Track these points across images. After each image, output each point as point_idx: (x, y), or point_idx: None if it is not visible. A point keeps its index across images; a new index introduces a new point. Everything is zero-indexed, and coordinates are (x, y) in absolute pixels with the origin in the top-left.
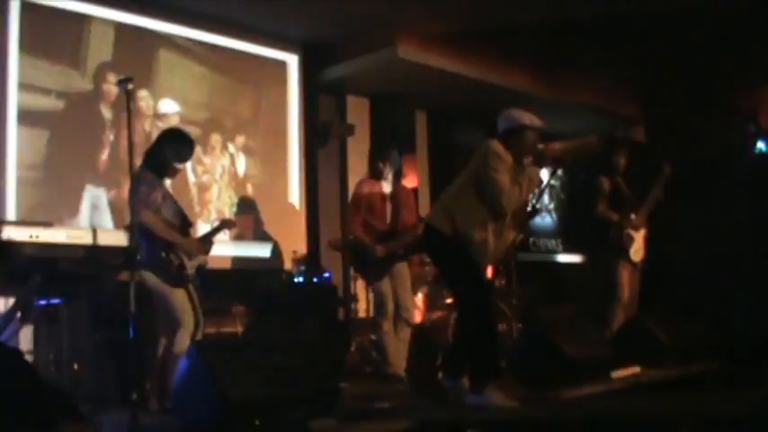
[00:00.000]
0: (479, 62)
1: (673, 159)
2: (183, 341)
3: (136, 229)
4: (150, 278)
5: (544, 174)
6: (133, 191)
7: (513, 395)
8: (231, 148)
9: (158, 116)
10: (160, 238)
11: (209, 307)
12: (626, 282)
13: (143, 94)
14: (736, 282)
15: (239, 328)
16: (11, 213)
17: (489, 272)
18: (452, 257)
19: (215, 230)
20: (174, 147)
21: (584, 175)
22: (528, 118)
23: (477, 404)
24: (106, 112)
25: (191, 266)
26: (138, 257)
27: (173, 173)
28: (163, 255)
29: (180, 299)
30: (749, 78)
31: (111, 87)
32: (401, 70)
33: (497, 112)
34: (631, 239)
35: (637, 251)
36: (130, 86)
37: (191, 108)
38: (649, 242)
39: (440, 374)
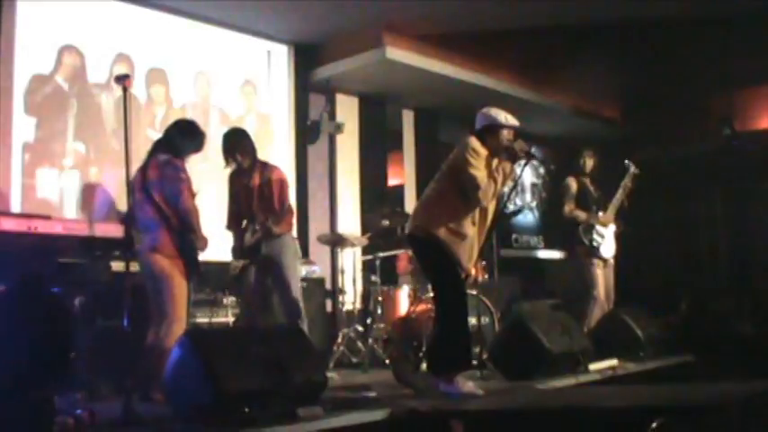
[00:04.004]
0: (465, 63)
1: (651, 159)
2: (177, 334)
3: (176, 213)
4: (160, 262)
5: (520, 170)
6: (170, 176)
7: (492, 386)
8: None
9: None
10: (191, 226)
11: (201, 298)
12: (601, 279)
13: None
14: (710, 278)
15: (230, 319)
16: (16, 206)
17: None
18: (438, 258)
19: None
20: (192, 139)
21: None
22: (504, 116)
23: (447, 392)
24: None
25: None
26: (151, 240)
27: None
28: (189, 244)
29: (183, 291)
30: (725, 83)
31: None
32: (389, 71)
33: (479, 109)
34: (601, 237)
35: (608, 248)
36: (127, 83)
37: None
38: (620, 238)
39: (423, 364)
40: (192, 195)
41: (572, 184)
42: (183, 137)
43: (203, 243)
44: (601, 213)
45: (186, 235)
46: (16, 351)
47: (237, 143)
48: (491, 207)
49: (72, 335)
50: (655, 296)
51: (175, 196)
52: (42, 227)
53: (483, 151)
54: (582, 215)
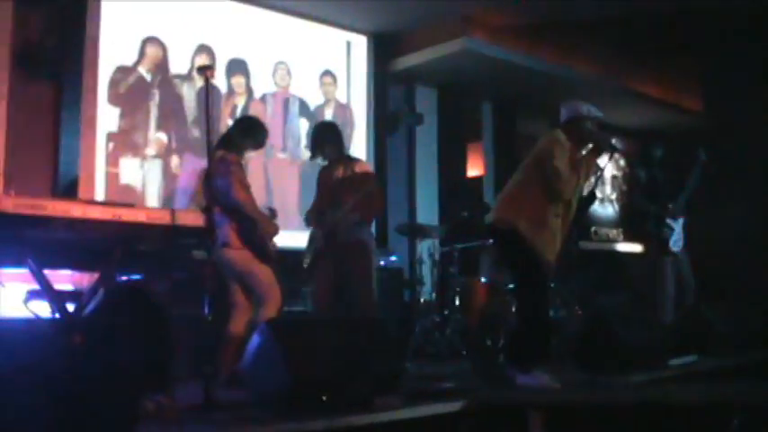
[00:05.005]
0: (545, 54)
1: (734, 150)
2: (271, 315)
3: (230, 207)
4: (233, 255)
5: (604, 162)
6: (221, 172)
7: (570, 379)
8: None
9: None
10: (250, 216)
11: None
12: (671, 273)
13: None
14: None
15: (309, 308)
16: (100, 194)
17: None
18: (519, 251)
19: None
20: (251, 136)
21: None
22: (587, 108)
23: (525, 384)
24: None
25: (271, 246)
26: (221, 237)
27: (246, 159)
28: (252, 233)
29: (267, 274)
30: None
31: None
32: (469, 61)
33: (562, 102)
34: (671, 230)
35: (676, 241)
36: (209, 74)
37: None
38: (690, 230)
39: (500, 356)
40: (245, 187)
41: (642, 175)
42: (243, 133)
43: (272, 229)
44: (671, 206)
45: (248, 226)
46: (117, 357)
47: (325, 137)
48: (574, 200)
49: (172, 342)
50: (737, 290)
51: (226, 190)
52: (126, 215)
53: (567, 144)
54: (652, 207)
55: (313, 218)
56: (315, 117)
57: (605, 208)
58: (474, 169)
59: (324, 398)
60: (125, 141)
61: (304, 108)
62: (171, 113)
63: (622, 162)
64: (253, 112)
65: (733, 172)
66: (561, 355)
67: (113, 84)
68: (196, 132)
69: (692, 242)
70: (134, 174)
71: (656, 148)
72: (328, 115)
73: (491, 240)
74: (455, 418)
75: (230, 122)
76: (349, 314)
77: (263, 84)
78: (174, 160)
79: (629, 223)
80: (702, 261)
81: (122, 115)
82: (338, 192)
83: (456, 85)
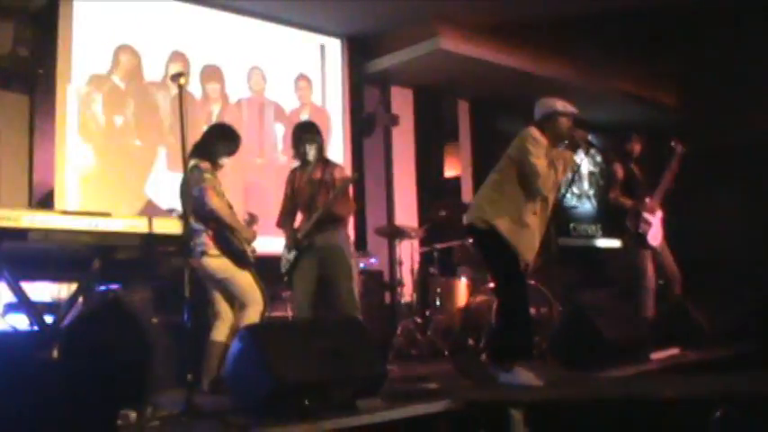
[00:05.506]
0: (520, 52)
1: (713, 146)
2: (253, 319)
3: (206, 214)
4: (212, 263)
5: (580, 158)
6: (194, 180)
7: (552, 376)
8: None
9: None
10: (226, 223)
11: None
12: (650, 268)
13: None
14: None
15: (289, 313)
16: (73, 203)
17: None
18: (498, 249)
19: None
20: (224, 143)
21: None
22: (561, 104)
23: (507, 382)
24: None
25: (250, 251)
26: (198, 245)
27: (220, 166)
28: (229, 239)
29: (247, 279)
30: None
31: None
32: (443, 61)
33: (537, 100)
34: (648, 224)
35: (654, 236)
36: (182, 81)
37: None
38: (667, 224)
39: (482, 355)
40: (219, 195)
41: (618, 170)
42: (216, 141)
43: (249, 235)
44: (648, 200)
45: (225, 233)
46: (96, 368)
47: (307, 135)
48: (551, 197)
49: (152, 351)
50: (718, 284)
51: (201, 198)
52: (103, 224)
53: (543, 140)
54: (628, 202)
55: (286, 221)
56: (291, 121)
57: (583, 204)
58: (452, 169)
59: (306, 402)
60: (100, 150)
61: (279, 112)
62: (146, 121)
63: (599, 158)
64: (228, 117)
65: (712, 166)
66: (543, 353)
67: (88, 92)
68: (172, 139)
69: (674, 236)
70: (110, 183)
71: (633, 143)
72: (304, 119)
73: (470, 240)
74: (438, 419)
75: (206, 130)
76: (335, 317)
77: (237, 89)
78: (150, 168)
79: (608, 219)
80: (684, 254)
81: (97, 124)
82: (316, 195)
83: (431, 86)
